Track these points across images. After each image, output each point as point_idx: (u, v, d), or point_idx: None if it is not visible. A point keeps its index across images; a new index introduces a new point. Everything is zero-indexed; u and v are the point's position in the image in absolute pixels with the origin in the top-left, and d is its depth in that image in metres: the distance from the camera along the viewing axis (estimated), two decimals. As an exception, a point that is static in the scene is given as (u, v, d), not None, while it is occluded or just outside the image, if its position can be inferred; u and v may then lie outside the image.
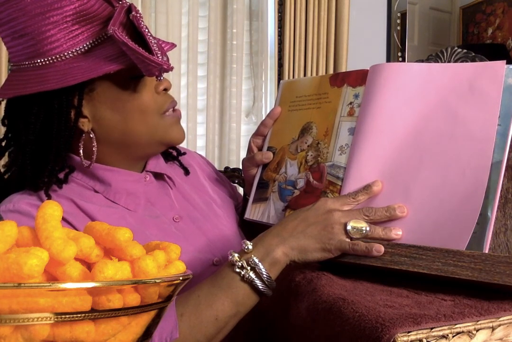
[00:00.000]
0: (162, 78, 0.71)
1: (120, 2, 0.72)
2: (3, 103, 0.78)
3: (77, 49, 0.71)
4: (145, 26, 0.69)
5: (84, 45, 0.71)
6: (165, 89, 0.79)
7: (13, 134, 0.76)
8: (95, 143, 0.75)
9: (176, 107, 0.82)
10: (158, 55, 0.68)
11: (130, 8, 0.70)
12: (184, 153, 0.93)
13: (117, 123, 0.75)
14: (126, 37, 0.66)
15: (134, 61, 0.67)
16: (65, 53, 0.70)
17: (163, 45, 0.76)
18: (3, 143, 0.77)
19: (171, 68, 0.70)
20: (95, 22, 0.71)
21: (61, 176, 0.76)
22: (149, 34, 0.69)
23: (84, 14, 0.71)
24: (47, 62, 0.71)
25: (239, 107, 2.20)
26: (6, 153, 0.78)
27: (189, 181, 0.91)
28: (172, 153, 0.92)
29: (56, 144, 0.73)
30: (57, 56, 0.70)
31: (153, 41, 0.68)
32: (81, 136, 0.75)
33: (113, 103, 0.74)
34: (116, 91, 0.74)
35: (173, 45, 0.80)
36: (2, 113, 0.77)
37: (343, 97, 0.73)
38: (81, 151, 0.75)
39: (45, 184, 0.73)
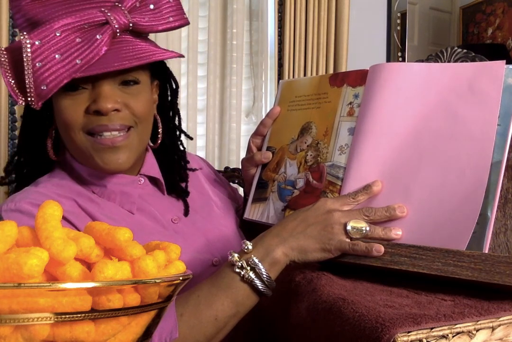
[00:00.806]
0: (36, 107, 0.69)
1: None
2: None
3: None
4: (28, 57, 0.67)
5: None
6: (98, 112, 0.71)
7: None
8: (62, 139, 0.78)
9: (108, 136, 0.73)
10: (31, 87, 0.67)
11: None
12: (196, 169, 0.93)
13: (61, 132, 0.77)
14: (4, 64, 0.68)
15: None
16: None
17: (166, 54, 0.75)
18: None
19: (20, 103, 0.71)
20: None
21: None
22: (26, 66, 0.67)
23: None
24: None
25: (239, 107, 2.20)
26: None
27: (188, 183, 0.91)
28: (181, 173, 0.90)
29: (36, 135, 0.79)
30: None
31: (30, 72, 0.67)
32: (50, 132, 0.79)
33: (56, 112, 0.75)
34: (55, 100, 0.74)
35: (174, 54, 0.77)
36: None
37: (342, 97, 0.73)
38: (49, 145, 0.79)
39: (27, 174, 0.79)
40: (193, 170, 0.92)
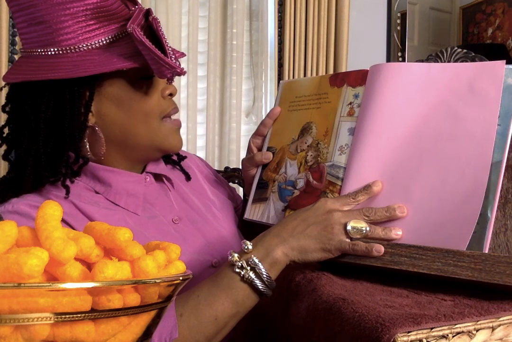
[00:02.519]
0: (172, 81, 0.72)
1: (137, 6, 0.73)
2: (3, 91, 0.79)
3: (92, 43, 0.72)
4: (162, 30, 0.70)
5: (100, 40, 0.72)
6: (171, 94, 0.80)
7: (19, 122, 0.75)
8: (102, 135, 0.76)
9: (176, 117, 0.82)
10: (172, 58, 0.69)
11: (149, 12, 0.72)
12: (185, 158, 0.94)
13: (119, 121, 0.76)
14: (144, 37, 0.67)
15: (148, 61, 0.68)
16: (79, 46, 0.72)
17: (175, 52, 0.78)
18: (6, 130, 0.77)
19: (184, 72, 0.71)
20: (113, 21, 0.73)
21: (75, 168, 0.76)
22: (165, 38, 0.70)
23: (103, 10, 0.72)
24: (60, 52, 0.72)
25: (239, 107, 2.20)
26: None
27: (188, 183, 0.92)
28: (172, 157, 0.92)
29: (70, 134, 0.73)
30: (71, 47, 0.72)
31: (168, 45, 0.70)
32: (85, 131, 0.75)
33: (119, 101, 0.75)
34: (125, 89, 0.75)
35: (182, 54, 0.82)
36: (2, 101, 0.78)
37: (343, 97, 0.73)
38: (87, 146, 0.76)
39: (63, 175, 0.74)
40: (183, 157, 0.93)
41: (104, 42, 0.72)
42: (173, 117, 0.82)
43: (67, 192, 0.74)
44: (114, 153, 0.79)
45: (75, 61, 0.71)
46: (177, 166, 0.92)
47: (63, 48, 0.72)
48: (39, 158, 0.73)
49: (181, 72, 0.70)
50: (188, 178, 0.92)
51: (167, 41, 0.70)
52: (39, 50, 0.73)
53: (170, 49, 0.70)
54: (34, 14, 0.72)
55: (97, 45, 0.72)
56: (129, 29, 0.67)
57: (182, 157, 0.93)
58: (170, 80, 0.72)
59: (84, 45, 0.72)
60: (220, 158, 2.21)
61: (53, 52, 0.72)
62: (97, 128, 0.76)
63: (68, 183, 0.75)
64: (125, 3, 0.75)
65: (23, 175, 0.74)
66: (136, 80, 0.75)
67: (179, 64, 0.71)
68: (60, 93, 0.72)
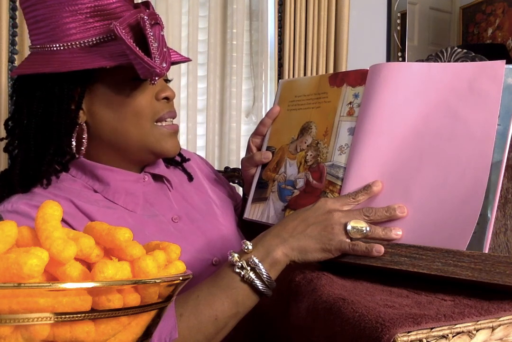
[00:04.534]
0: (155, 82, 0.71)
1: (148, 10, 0.73)
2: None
3: (86, 41, 0.72)
4: (151, 31, 0.69)
5: (94, 39, 0.73)
6: (167, 98, 0.79)
7: (18, 116, 0.77)
8: (85, 135, 0.76)
9: (174, 122, 0.81)
10: (156, 59, 0.68)
11: (147, 13, 0.71)
12: (188, 160, 0.93)
13: (110, 121, 0.76)
14: (126, 35, 0.67)
15: (132, 61, 0.68)
16: (74, 43, 0.72)
17: (175, 55, 0.79)
18: (10, 123, 0.79)
19: (163, 74, 0.70)
20: (108, 20, 0.73)
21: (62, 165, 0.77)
22: (151, 38, 0.69)
23: (100, 9, 0.72)
24: (56, 48, 0.73)
25: (239, 107, 2.19)
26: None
27: (189, 182, 0.91)
28: (175, 158, 0.92)
29: (57, 131, 0.74)
30: (66, 44, 0.72)
31: (154, 45, 0.69)
32: (75, 128, 0.76)
33: (109, 101, 0.75)
34: (115, 89, 0.75)
35: (185, 59, 0.82)
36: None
37: (342, 97, 0.73)
38: (73, 142, 0.76)
39: (46, 172, 0.74)
40: (186, 160, 0.93)
41: (98, 41, 0.73)
42: (173, 122, 0.81)
43: (48, 183, 0.74)
44: (108, 153, 0.79)
45: (67, 57, 0.72)
46: (179, 167, 0.92)
47: (59, 45, 0.73)
48: (28, 152, 0.74)
49: (161, 73, 0.69)
50: (190, 178, 0.91)
51: (153, 41, 0.69)
52: (38, 46, 0.75)
53: (156, 49, 0.68)
54: (36, 12, 0.74)
55: (90, 43, 0.73)
56: (110, 26, 0.67)
57: (185, 160, 0.93)
58: (152, 80, 0.71)
59: (78, 43, 0.72)
60: (220, 158, 2.21)
61: (49, 49, 0.73)
62: (88, 126, 0.77)
63: (64, 182, 0.76)
64: (135, 6, 0.75)
65: (13, 169, 0.75)
66: (128, 81, 0.75)
67: (167, 67, 0.70)
68: (51, 88, 0.73)
